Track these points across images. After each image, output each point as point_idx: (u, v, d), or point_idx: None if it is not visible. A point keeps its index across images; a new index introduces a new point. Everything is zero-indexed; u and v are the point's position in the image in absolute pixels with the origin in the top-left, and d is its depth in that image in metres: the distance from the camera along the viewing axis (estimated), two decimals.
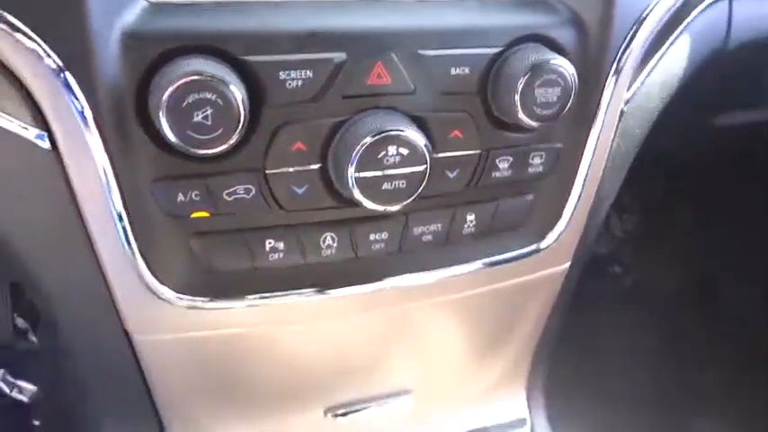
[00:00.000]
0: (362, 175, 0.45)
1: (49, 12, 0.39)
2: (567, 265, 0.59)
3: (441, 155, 0.48)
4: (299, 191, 0.47)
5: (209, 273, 0.48)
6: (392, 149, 0.45)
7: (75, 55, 0.40)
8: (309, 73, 0.43)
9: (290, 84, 0.43)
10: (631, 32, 0.50)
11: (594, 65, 0.50)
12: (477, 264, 0.54)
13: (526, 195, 0.53)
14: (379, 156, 0.44)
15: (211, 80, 0.39)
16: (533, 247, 0.55)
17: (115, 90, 0.41)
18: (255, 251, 0.48)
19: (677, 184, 1.42)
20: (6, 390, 1.30)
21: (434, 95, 0.46)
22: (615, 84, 0.51)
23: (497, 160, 0.50)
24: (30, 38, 0.39)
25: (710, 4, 0.58)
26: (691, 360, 1.38)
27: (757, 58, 0.70)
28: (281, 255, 0.49)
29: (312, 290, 0.51)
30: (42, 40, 0.39)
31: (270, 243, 0.48)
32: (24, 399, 1.29)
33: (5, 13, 0.39)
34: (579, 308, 0.76)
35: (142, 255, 0.46)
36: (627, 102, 0.55)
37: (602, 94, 0.51)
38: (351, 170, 0.44)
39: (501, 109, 0.47)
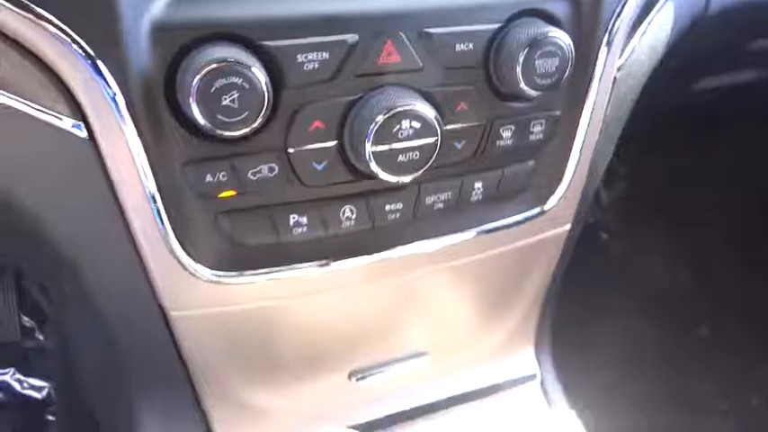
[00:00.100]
0: (379, 148, 0.48)
1: (81, 4, 0.42)
2: (568, 226, 0.63)
3: (449, 127, 0.51)
4: (319, 167, 0.50)
5: (237, 248, 0.51)
6: (405, 123, 0.48)
7: (107, 45, 0.42)
8: (325, 54, 0.46)
9: (307, 66, 0.46)
10: (621, 4, 0.54)
11: (588, 36, 0.53)
12: (486, 228, 0.58)
13: (528, 162, 0.57)
14: (394, 130, 0.48)
15: (237, 65, 0.42)
16: (537, 209, 0.59)
17: (145, 78, 0.43)
18: (280, 226, 0.51)
19: (661, 150, 1.47)
20: (18, 387, 1.33)
21: (441, 71, 0.49)
22: (608, 53, 0.55)
23: (501, 129, 0.53)
24: (62, 30, 0.42)
25: None
26: (686, 319, 1.43)
27: (736, 22, 0.74)
28: (305, 228, 0.52)
29: (334, 260, 0.55)
30: (75, 32, 0.42)
31: (293, 218, 0.51)
32: (37, 396, 1.32)
33: (39, 7, 0.41)
34: (579, 270, 0.80)
35: (175, 234, 0.49)
36: (618, 69, 0.59)
37: (595, 63, 0.55)
38: (368, 145, 0.48)
39: (503, 81, 0.51)
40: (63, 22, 0.41)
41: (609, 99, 0.59)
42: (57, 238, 0.50)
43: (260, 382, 0.62)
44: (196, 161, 0.47)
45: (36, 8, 0.41)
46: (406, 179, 0.50)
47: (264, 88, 0.43)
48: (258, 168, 0.49)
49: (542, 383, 0.72)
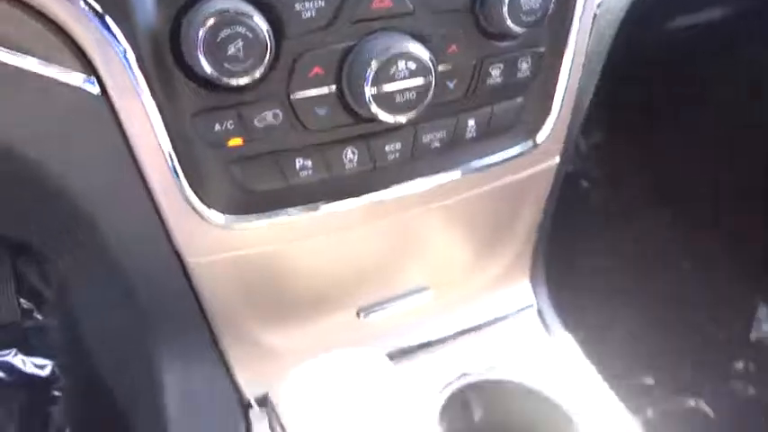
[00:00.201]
0: (377, 90, 0.51)
1: None
2: (557, 160, 0.66)
3: (441, 67, 0.54)
4: (321, 112, 0.53)
5: (248, 194, 0.54)
6: (401, 65, 0.50)
7: (115, 3, 0.44)
8: (321, 2, 0.48)
9: (304, 14, 0.48)
10: None
11: None
12: (481, 164, 0.61)
13: (517, 98, 0.60)
14: (391, 72, 0.50)
15: (239, 15, 0.44)
16: (530, 144, 0.62)
17: (152, 33, 0.46)
18: (287, 171, 0.54)
19: (638, 95, 1.50)
20: (21, 367, 1.35)
21: (431, 15, 0.52)
22: None
23: (490, 68, 0.56)
24: None
25: None
26: (668, 255, 1.49)
27: None
28: (310, 171, 0.55)
29: (339, 200, 0.58)
30: None
31: (299, 162, 0.54)
32: (41, 373, 1.34)
33: None
34: (564, 218, 0.84)
35: (189, 183, 0.52)
36: (598, 6, 0.61)
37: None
38: (367, 88, 0.50)
39: (490, 20, 0.53)
40: None
41: (590, 34, 0.62)
42: (74, 192, 0.52)
43: (273, 323, 0.65)
44: (204, 111, 0.50)
45: None
46: (404, 119, 0.53)
47: (266, 36, 0.46)
48: (263, 115, 0.51)
49: (539, 312, 0.76)
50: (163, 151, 0.50)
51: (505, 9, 0.52)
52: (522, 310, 0.76)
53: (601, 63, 0.68)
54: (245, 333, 0.64)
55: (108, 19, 0.45)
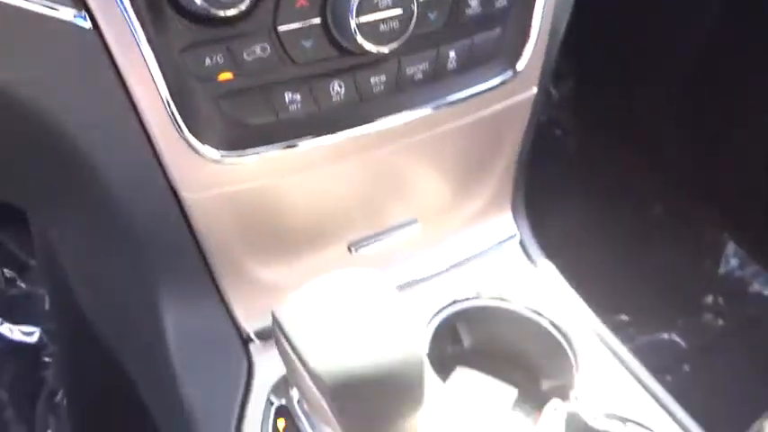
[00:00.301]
0: (362, 20, 0.52)
1: None
2: (535, 89, 0.69)
3: None
4: (307, 44, 0.54)
5: (240, 128, 0.56)
6: None
7: None
8: None
9: None
10: None
11: None
12: (463, 95, 0.63)
13: (495, 29, 0.62)
14: (374, 2, 0.52)
15: None
16: (509, 74, 0.65)
17: None
18: (276, 104, 0.56)
19: (604, 41, 1.53)
20: (9, 335, 1.36)
21: None
22: None
23: None
24: None
25: None
26: (641, 200, 1.54)
27: None
28: (299, 105, 0.56)
29: (328, 133, 0.60)
30: None
31: (288, 95, 0.56)
32: (29, 340, 1.35)
33: None
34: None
35: (182, 118, 0.53)
36: None
37: None
38: (351, 18, 0.52)
39: None
40: None
41: None
42: (70, 131, 0.53)
43: (268, 259, 0.67)
44: (194, 46, 0.51)
45: None
46: (387, 49, 0.54)
47: None
48: (252, 49, 0.52)
49: (522, 243, 0.80)
50: (156, 87, 0.51)
51: None
52: (506, 240, 0.79)
53: None
54: (241, 270, 0.66)
55: None
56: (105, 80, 0.51)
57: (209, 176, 0.57)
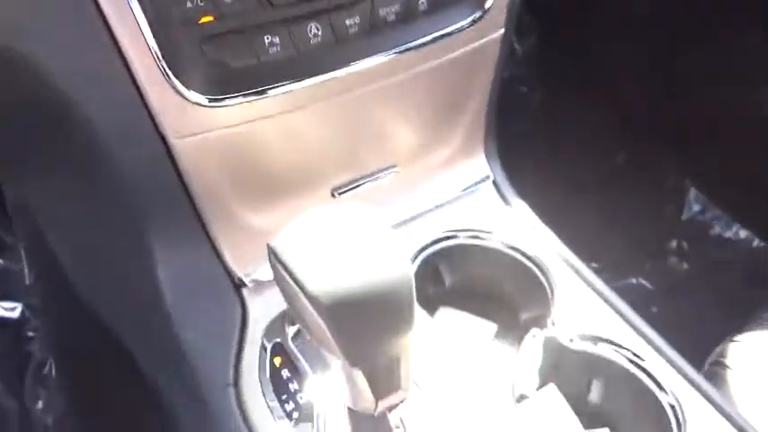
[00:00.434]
0: None
1: None
2: (503, 30, 0.72)
3: None
4: None
5: (224, 72, 0.58)
6: None
7: None
8: None
9: None
10: None
11: None
12: (434, 36, 0.66)
13: None
14: None
15: None
16: (479, 12, 0.67)
17: None
18: (257, 47, 0.58)
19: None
20: None
21: None
22: None
23: None
24: None
25: None
26: (604, 149, 1.59)
27: None
28: (278, 48, 0.59)
29: (308, 77, 0.62)
30: None
31: (267, 38, 0.58)
32: (12, 316, 1.35)
33: None
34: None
35: (167, 63, 0.55)
36: None
37: None
38: None
39: None
40: None
41: None
42: (60, 79, 0.54)
43: (256, 203, 0.69)
44: None
45: None
46: None
47: None
48: None
49: (495, 183, 0.83)
50: (142, 33, 0.53)
51: None
52: (480, 182, 0.83)
53: None
54: (230, 215, 0.68)
55: None
56: (92, 28, 0.52)
57: (196, 121, 0.59)
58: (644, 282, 1.49)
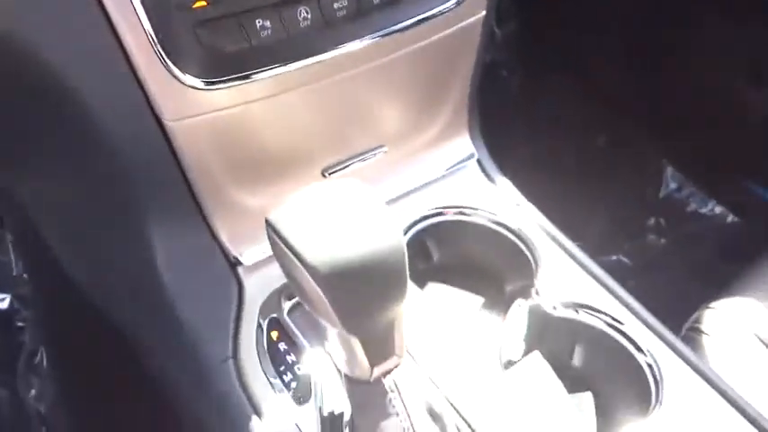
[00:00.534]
0: None
1: None
2: (483, 12, 0.75)
3: None
4: None
5: (218, 56, 0.60)
6: None
7: None
8: None
9: None
10: None
11: None
12: (419, 18, 0.69)
13: None
14: None
15: None
16: None
17: None
18: (249, 30, 0.60)
19: None
20: None
21: None
22: None
23: None
24: None
25: None
26: (585, 132, 1.63)
27: None
28: (270, 31, 0.61)
29: (299, 59, 0.64)
30: None
31: (259, 22, 0.60)
32: (1, 306, 1.35)
33: None
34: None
35: (163, 46, 0.57)
36: None
37: None
38: None
39: None
40: None
41: None
42: (58, 63, 0.56)
43: (249, 183, 0.71)
44: None
45: None
46: None
47: None
48: None
49: (479, 162, 0.86)
50: (139, 18, 0.55)
51: None
52: (465, 160, 0.86)
53: None
54: (225, 195, 0.70)
55: None
56: (89, 13, 0.54)
57: (192, 104, 0.61)
58: (623, 258, 1.53)
